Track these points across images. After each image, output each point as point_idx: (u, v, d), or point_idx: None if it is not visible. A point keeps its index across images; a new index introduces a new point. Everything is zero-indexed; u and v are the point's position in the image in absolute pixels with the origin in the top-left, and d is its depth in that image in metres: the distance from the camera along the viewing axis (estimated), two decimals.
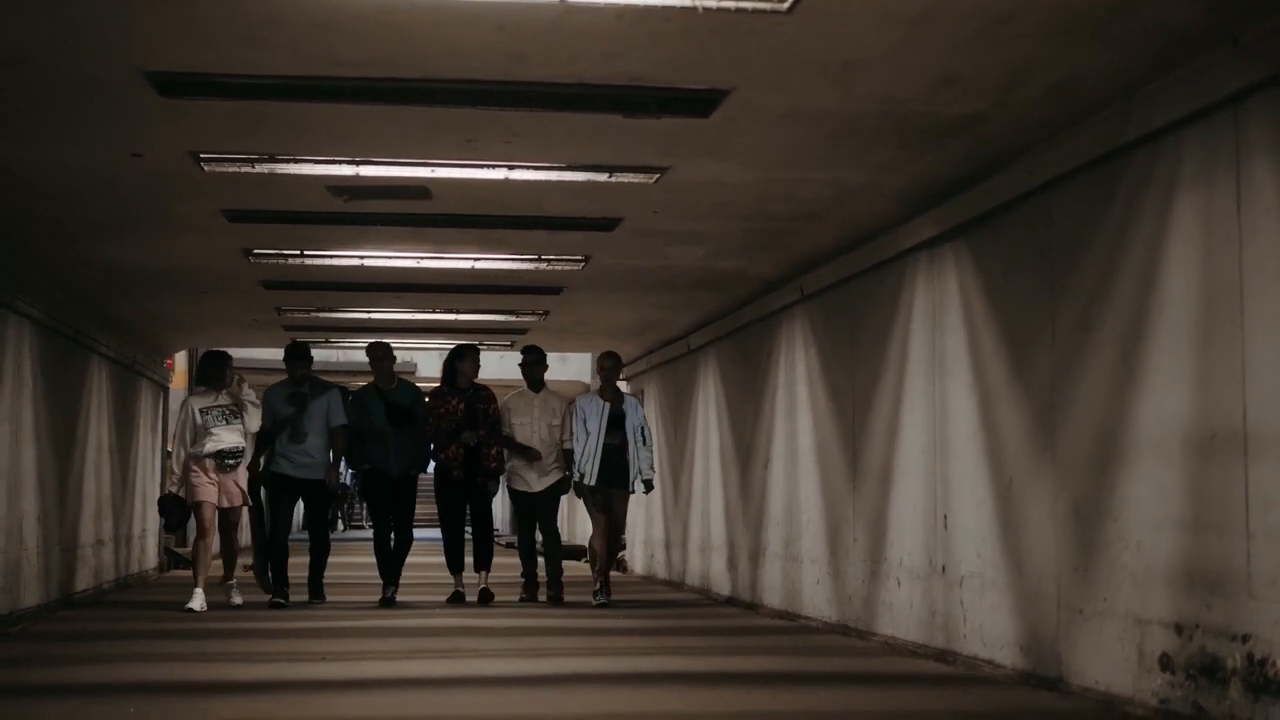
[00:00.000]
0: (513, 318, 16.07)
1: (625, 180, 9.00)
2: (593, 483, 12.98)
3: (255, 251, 11.79)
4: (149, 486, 17.31)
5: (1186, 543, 6.24)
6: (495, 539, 14.36)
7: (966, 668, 8.35)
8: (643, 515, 18.05)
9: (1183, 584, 6.27)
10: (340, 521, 45.84)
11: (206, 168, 8.68)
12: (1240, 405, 5.86)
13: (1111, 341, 6.92)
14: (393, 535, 13.04)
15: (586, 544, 15.11)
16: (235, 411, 12.30)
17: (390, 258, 12.18)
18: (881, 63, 6.62)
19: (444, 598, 13.11)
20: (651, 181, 9.01)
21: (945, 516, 8.87)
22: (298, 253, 11.93)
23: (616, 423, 13.09)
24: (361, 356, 20.97)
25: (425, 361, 21.59)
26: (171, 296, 14.06)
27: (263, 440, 12.74)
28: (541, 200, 9.77)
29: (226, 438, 12.23)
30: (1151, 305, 6.57)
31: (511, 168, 8.81)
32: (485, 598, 12.92)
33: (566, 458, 13.24)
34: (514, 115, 7.52)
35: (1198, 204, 6.25)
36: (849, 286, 10.71)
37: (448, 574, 13.42)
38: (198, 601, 12.01)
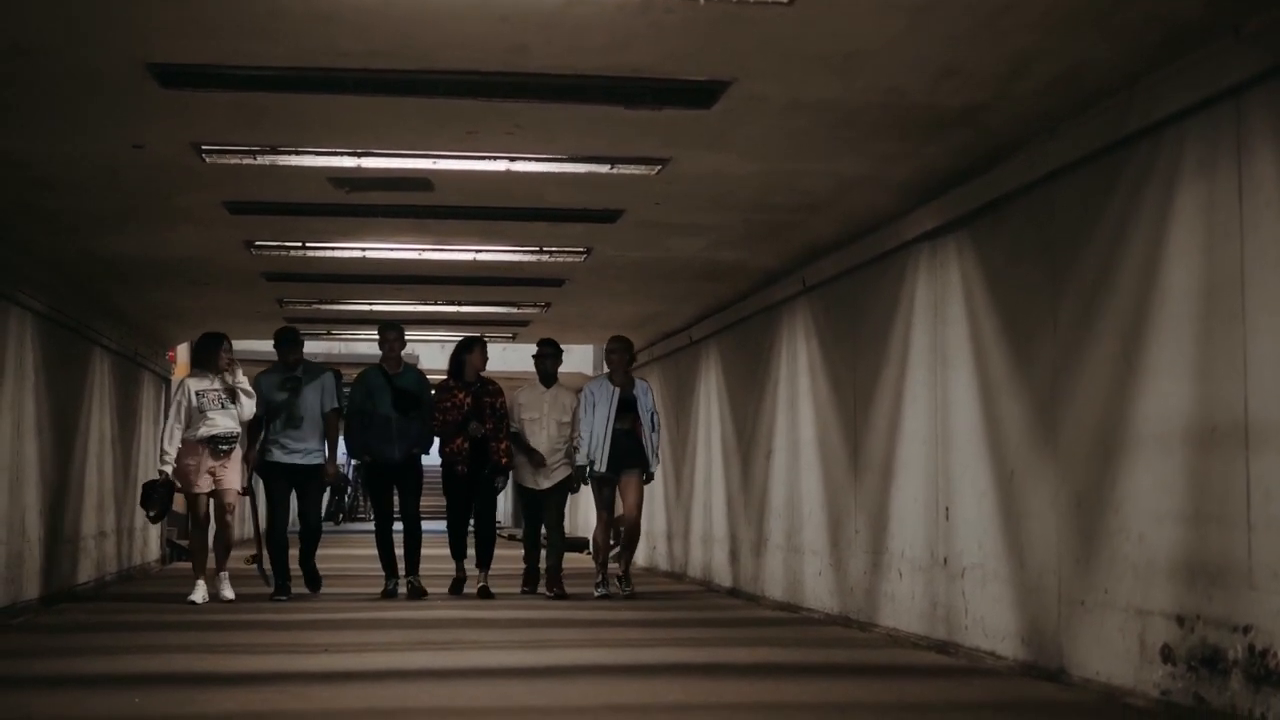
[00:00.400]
0: (514, 310, 16.06)
1: (627, 172, 8.99)
2: (603, 469, 12.77)
3: (257, 243, 11.79)
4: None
5: (1188, 534, 6.24)
6: (497, 532, 14.23)
7: (968, 659, 8.35)
8: (645, 507, 18.02)
9: (1184, 576, 6.27)
10: (341, 515, 45.77)
11: (208, 159, 8.68)
12: (1241, 397, 5.86)
13: (1113, 333, 6.92)
14: (400, 523, 12.86)
15: (590, 536, 14.90)
16: (233, 394, 12.14)
17: (392, 249, 12.17)
18: (883, 54, 6.62)
19: (445, 590, 13.05)
20: (653, 173, 9.01)
21: (947, 508, 8.87)
22: (299, 244, 11.92)
23: (627, 408, 12.89)
24: (363, 348, 21.09)
25: (427, 353, 21.58)
26: (173, 288, 14.06)
27: (257, 428, 12.52)
28: (543, 192, 9.77)
29: (221, 423, 12.05)
30: (1153, 297, 6.57)
31: (513, 159, 8.80)
32: (484, 595, 12.77)
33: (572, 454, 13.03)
34: (516, 107, 7.52)
35: (1199, 195, 6.25)
36: (851, 278, 10.71)
37: (447, 568, 13.33)
38: (199, 593, 11.97)
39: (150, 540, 17.64)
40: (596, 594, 12.92)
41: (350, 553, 20.37)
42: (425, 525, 13.35)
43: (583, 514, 21.38)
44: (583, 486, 13.36)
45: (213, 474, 12.10)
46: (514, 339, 19.04)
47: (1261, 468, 5.72)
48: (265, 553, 12.97)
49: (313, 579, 12.93)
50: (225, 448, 12.08)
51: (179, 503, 13.05)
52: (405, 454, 12.71)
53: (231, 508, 12.35)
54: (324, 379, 12.74)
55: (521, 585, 13.45)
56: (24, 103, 7.54)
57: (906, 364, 9.60)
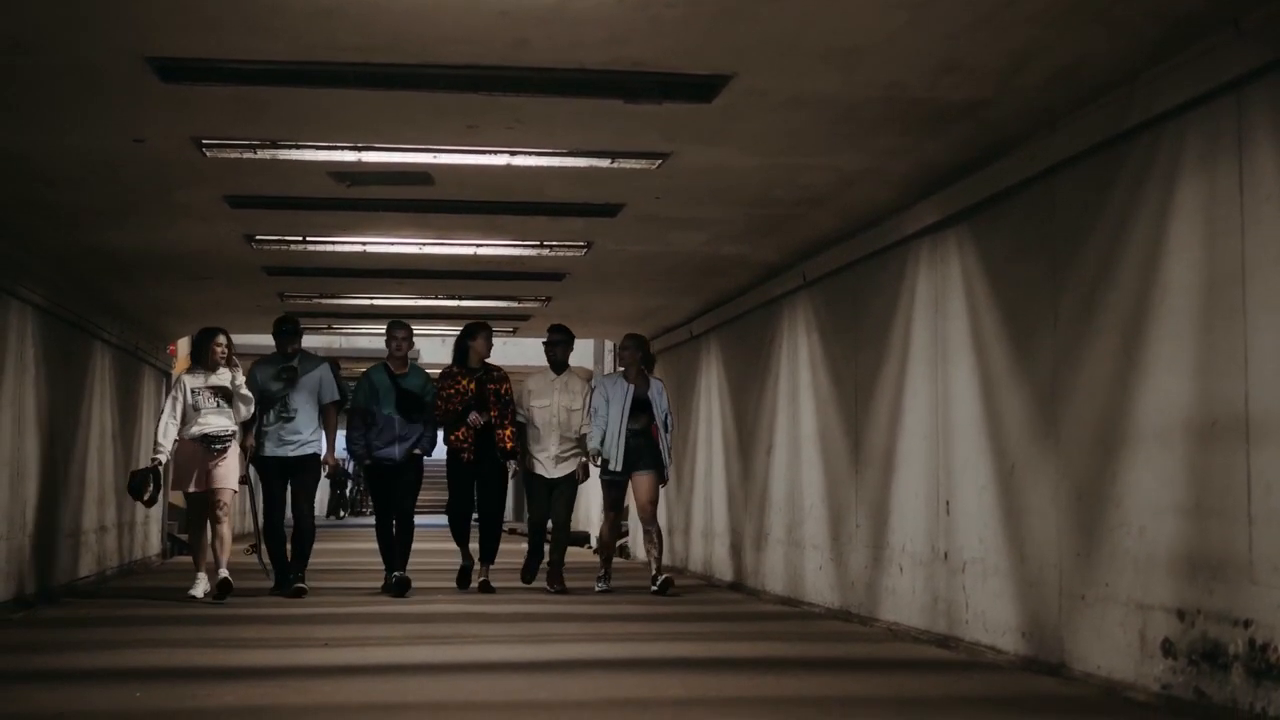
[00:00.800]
0: (515, 304, 16.07)
1: (627, 166, 8.99)
2: (618, 468, 12.57)
3: (257, 237, 11.79)
4: None
5: (1188, 528, 6.25)
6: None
7: (968, 654, 8.35)
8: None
9: (1184, 569, 6.27)
10: (343, 509, 45.75)
11: (208, 153, 8.68)
12: (1242, 391, 5.86)
13: (1113, 327, 6.92)
14: (394, 521, 12.56)
15: (593, 532, 14.71)
16: (228, 395, 11.82)
17: (393, 243, 12.17)
18: (883, 48, 6.62)
19: (447, 584, 12.98)
20: (654, 167, 9.01)
21: (947, 502, 8.87)
22: (300, 239, 11.92)
23: (640, 408, 12.63)
24: (364, 343, 21.12)
25: (428, 348, 21.59)
26: (174, 283, 14.06)
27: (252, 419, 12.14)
28: (543, 186, 9.77)
29: (214, 421, 11.72)
30: (1154, 291, 6.57)
31: (514, 153, 8.81)
32: (485, 590, 12.62)
33: (582, 442, 12.78)
34: (516, 101, 7.52)
35: (1200, 189, 6.25)
36: (851, 272, 10.71)
37: (451, 561, 13.08)
38: (199, 588, 11.84)
39: (151, 534, 17.65)
40: (597, 589, 12.83)
41: (351, 547, 20.39)
42: (420, 519, 13.15)
43: (583, 508, 21.36)
44: (588, 477, 13.12)
45: (207, 472, 11.75)
46: (514, 333, 19.05)
47: (1262, 462, 5.72)
48: (264, 545, 12.79)
49: (298, 583, 12.26)
50: (218, 447, 11.73)
51: (177, 498, 12.97)
52: (406, 455, 12.44)
53: (225, 507, 11.86)
54: (321, 370, 12.46)
55: (522, 576, 13.17)
56: (25, 97, 7.54)
57: (907, 358, 9.60)
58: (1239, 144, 5.95)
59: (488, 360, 12.82)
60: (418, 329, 18.62)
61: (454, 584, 13.03)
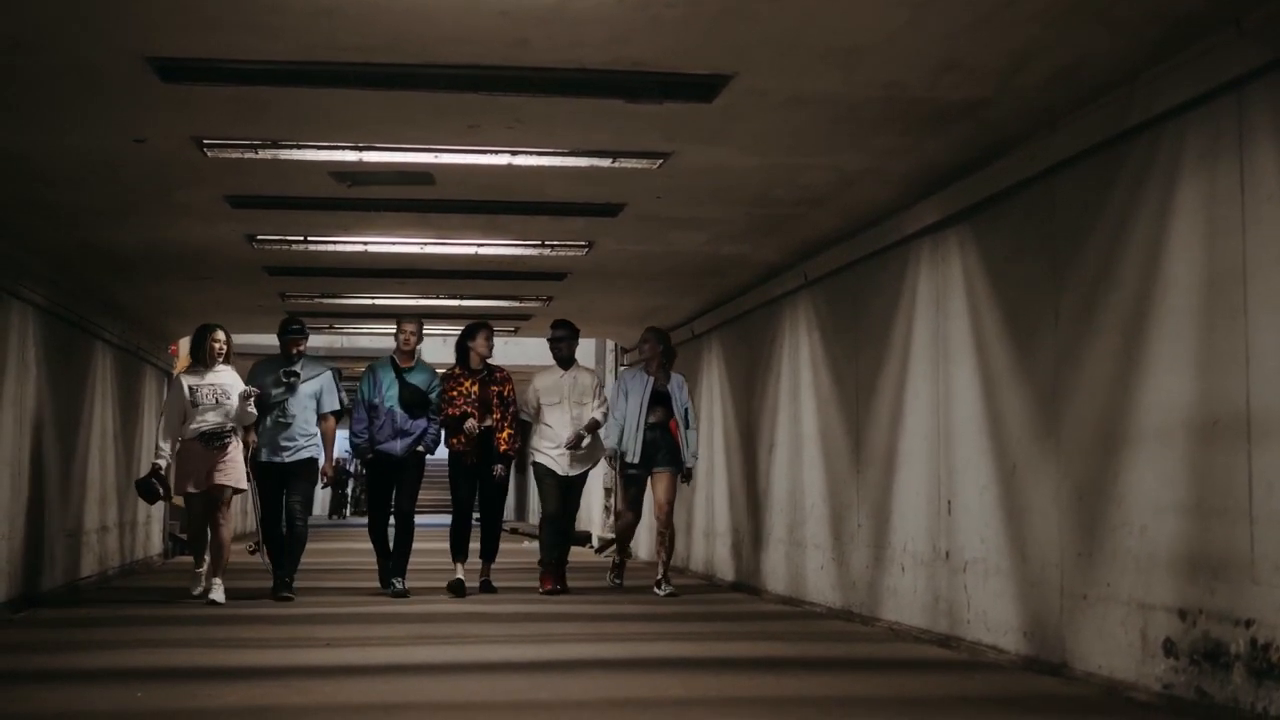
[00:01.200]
0: (516, 304, 16.06)
1: (628, 166, 8.99)
2: (635, 460, 12.33)
3: (258, 237, 11.79)
4: None
5: (1190, 528, 6.24)
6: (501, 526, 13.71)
7: (970, 653, 8.35)
8: (647, 501, 18.02)
9: (1186, 569, 6.27)
10: (343, 509, 45.76)
11: (209, 153, 8.68)
12: (1243, 390, 5.86)
13: (1114, 327, 6.92)
14: (392, 521, 12.39)
15: (601, 532, 14.40)
16: (226, 392, 11.52)
17: (394, 243, 12.17)
18: (884, 48, 6.62)
19: (442, 589, 12.55)
20: (654, 167, 9.01)
21: (949, 502, 8.87)
22: (301, 239, 11.92)
23: (659, 401, 12.43)
24: (365, 342, 21.12)
25: (429, 347, 21.58)
26: (175, 282, 14.06)
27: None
28: (544, 186, 9.77)
29: (213, 419, 11.44)
30: (1154, 290, 6.56)
31: (514, 153, 8.81)
32: (486, 589, 12.47)
33: (590, 422, 12.54)
34: (517, 101, 7.52)
35: (1201, 189, 6.24)
36: (852, 272, 10.70)
37: (446, 563, 12.76)
38: (200, 587, 11.77)
39: (153, 534, 17.66)
40: (609, 581, 12.64)
41: (350, 546, 20.39)
42: (430, 520, 12.97)
43: (584, 506, 21.35)
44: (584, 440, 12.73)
45: (208, 472, 11.50)
46: (516, 332, 19.05)
47: (1263, 461, 5.72)
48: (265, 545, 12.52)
49: (284, 591, 11.90)
50: (217, 444, 11.46)
51: (178, 499, 12.92)
52: (407, 451, 12.19)
53: (226, 509, 11.69)
54: (323, 378, 12.13)
55: (542, 585, 12.58)
56: (25, 97, 7.54)
57: (908, 358, 9.60)
58: (1240, 143, 5.94)
59: (489, 360, 12.61)
60: None
61: (446, 588, 12.48)
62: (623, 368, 13.02)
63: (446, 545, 12.82)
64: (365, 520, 13.58)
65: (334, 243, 12.12)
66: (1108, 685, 6.83)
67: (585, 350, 22.46)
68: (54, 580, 12.27)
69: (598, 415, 12.67)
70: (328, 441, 12.14)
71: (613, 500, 21.24)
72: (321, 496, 44.86)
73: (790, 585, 12.17)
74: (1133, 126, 6.73)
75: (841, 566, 10.87)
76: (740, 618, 10.94)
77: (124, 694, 6.83)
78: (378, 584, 12.71)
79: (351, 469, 43.61)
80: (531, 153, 8.82)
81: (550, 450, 12.67)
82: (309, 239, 11.93)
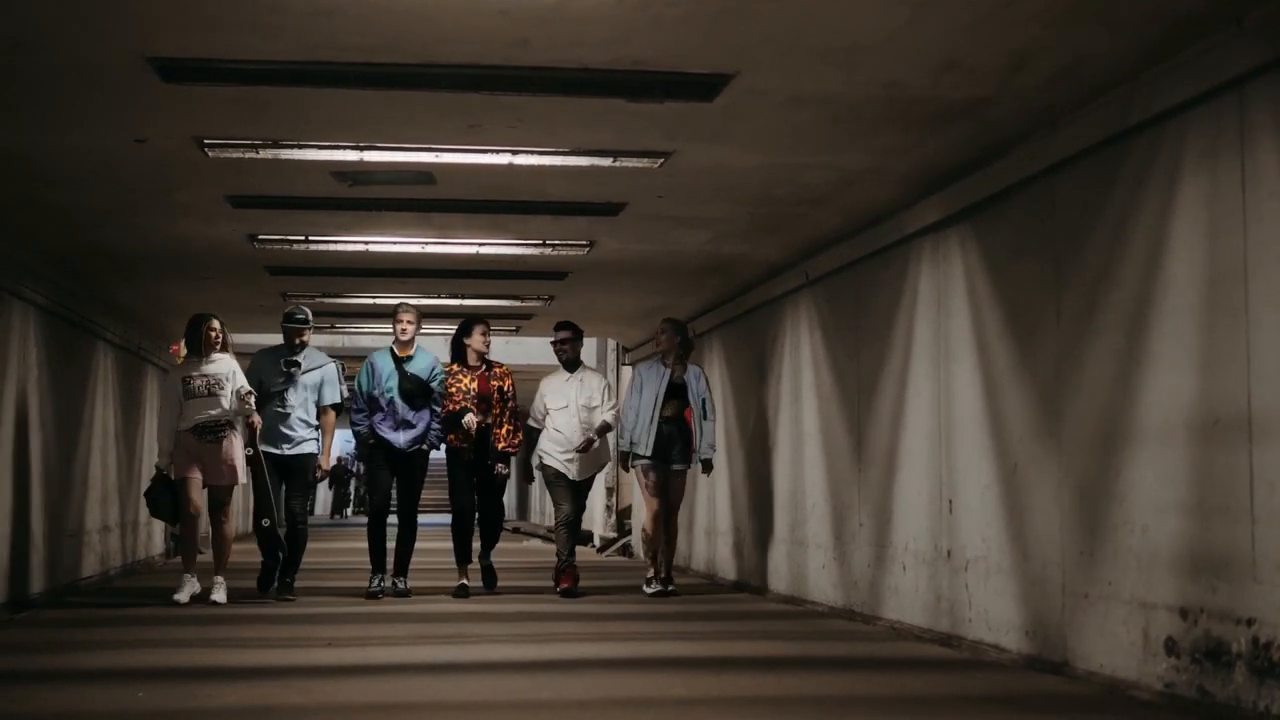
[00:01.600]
0: (518, 303, 16.07)
1: (629, 165, 8.99)
2: (647, 453, 12.09)
3: (260, 237, 11.79)
4: None
5: (1191, 527, 6.24)
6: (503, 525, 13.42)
7: (971, 652, 8.35)
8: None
9: (1187, 568, 6.26)
10: (346, 508, 45.74)
11: (210, 153, 8.68)
12: (1245, 389, 5.85)
13: (1116, 325, 6.91)
14: (395, 521, 12.14)
15: (630, 531, 13.49)
16: (220, 382, 11.17)
17: (395, 243, 12.17)
18: (884, 47, 6.61)
19: (450, 583, 12.50)
20: (656, 166, 9.01)
21: (950, 501, 8.86)
22: (302, 238, 11.92)
23: (675, 393, 12.19)
24: (367, 341, 21.10)
25: (431, 347, 21.60)
26: (176, 282, 14.07)
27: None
28: (546, 185, 9.77)
29: (206, 410, 11.11)
30: (1156, 289, 6.56)
31: (515, 153, 8.81)
32: (489, 578, 12.34)
33: (601, 425, 12.36)
34: (518, 100, 7.52)
35: (1202, 187, 6.24)
36: (854, 271, 10.70)
37: (451, 561, 12.54)
38: (186, 591, 11.17)
39: (154, 534, 17.66)
40: (648, 591, 12.23)
41: (352, 545, 20.39)
42: (429, 519, 12.84)
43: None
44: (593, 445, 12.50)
45: (202, 465, 11.18)
46: (517, 332, 19.05)
47: (1265, 460, 5.72)
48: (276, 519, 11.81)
49: (286, 589, 11.77)
50: (211, 438, 11.14)
51: None
52: (410, 445, 11.90)
53: (226, 506, 11.53)
54: (325, 369, 11.84)
55: (559, 584, 12.39)
56: (26, 97, 7.54)
57: (910, 357, 9.60)
58: (1241, 142, 5.94)
59: (488, 356, 12.38)
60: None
61: (452, 594, 12.21)
62: (639, 361, 12.61)
63: (446, 544, 12.69)
64: (366, 519, 13.39)
65: (335, 242, 12.13)
66: (1109, 684, 6.83)
67: (586, 350, 22.49)
68: (55, 580, 12.27)
69: (609, 418, 12.52)
70: (325, 434, 11.89)
71: (614, 500, 21.26)
72: (324, 496, 44.90)
73: (792, 584, 12.16)
74: (1133, 125, 6.72)
75: (843, 565, 10.87)
76: (742, 617, 10.94)
77: (125, 694, 6.83)
78: (369, 585, 12.02)
79: (354, 469, 43.63)
80: (532, 152, 8.82)
81: (560, 455, 12.43)
82: (310, 239, 11.93)
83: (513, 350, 20.26)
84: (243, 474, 11.47)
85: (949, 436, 8.91)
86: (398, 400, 11.88)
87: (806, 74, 7.08)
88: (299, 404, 11.70)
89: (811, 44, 6.63)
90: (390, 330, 12.46)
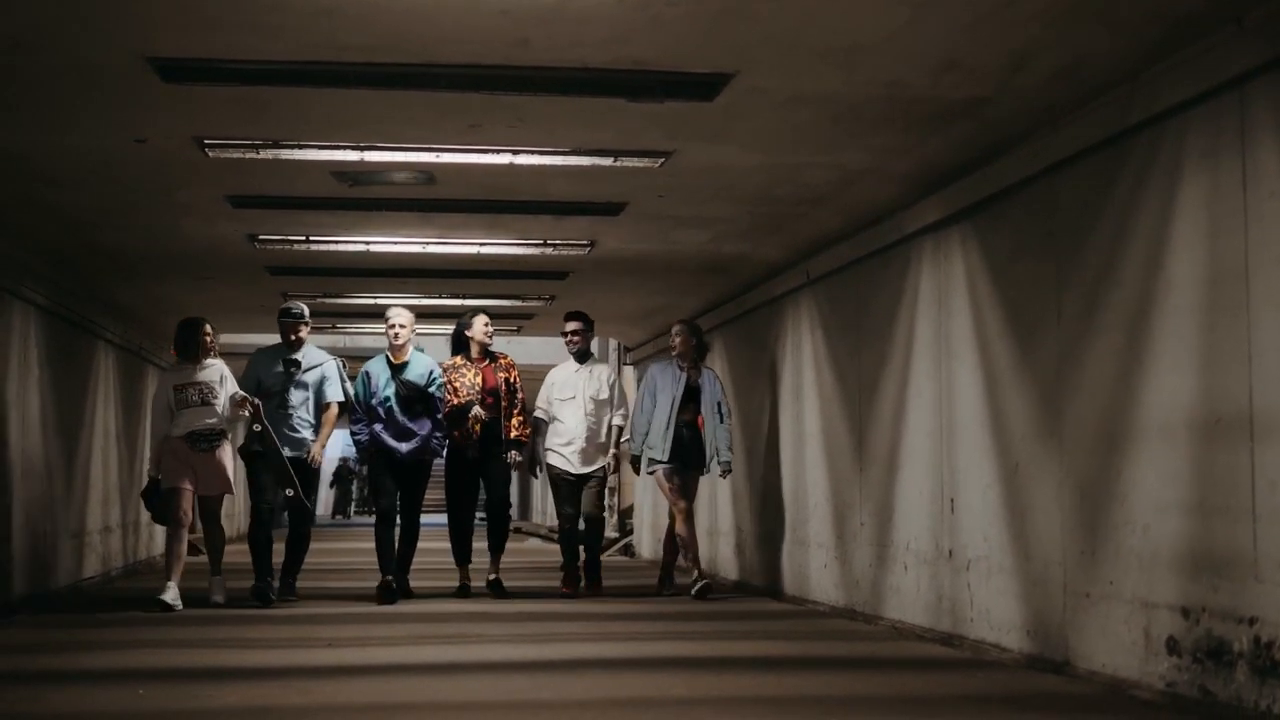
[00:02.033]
0: (519, 303, 16.07)
1: (630, 165, 8.99)
2: (664, 457, 11.89)
3: (260, 237, 11.79)
4: None
5: (1192, 526, 6.24)
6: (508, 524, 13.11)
7: (973, 651, 8.35)
8: (649, 500, 18.05)
9: (1189, 567, 6.26)
10: (349, 509, 45.76)
11: (210, 153, 8.68)
12: (1246, 388, 5.85)
13: (1117, 325, 6.91)
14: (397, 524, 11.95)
15: (667, 533, 13.08)
16: (211, 389, 10.99)
17: (395, 243, 12.16)
18: (885, 47, 6.61)
19: (449, 584, 12.45)
20: (656, 166, 9.01)
21: (952, 500, 8.86)
22: (303, 238, 11.92)
23: (690, 397, 12.03)
24: (367, 342, 21.09)
25: (431, 346, 21.60)
26: (177, 282, 14.07)
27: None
28: (546, 185, 9.77)
29: (199, 419, 10.92)
30: (1157, 288, 6.56)
31: (516, 152, 8.81)
32: (497, 589, 12.02)
33: (615, 434, 12.17)
34: (518, 100, 7.52)
35: (1203, 186, 6.24)
36: (854, 270, 10.70)
37: (449, 561, 12.45)
38: (170, 594, 10.79)
39: (155, 535, 17.66)
40: (692, 593, 11.93)
41: (354, 546, 20.40)
42: (429, 519, 12.73)
43: None
44: (618, 470, 12.41)
45: (195, 473, 10.98)
46: (518, 331, 19.04)
47: (1266, 459, 5.71)
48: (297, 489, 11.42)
49: (288, 589, 11.61)
50: (204, 446, 10.96)
51: None
52: (412, 455, 11.62)
53: (218, 507, 11.44)
54: (325, 367, 11.57)
55: (562, 587, 12.26)
56: (25, 97, 7.54)
57: (911, 356, 9.60)
58: (1242, 141, 5.93)
59: (490, 348, 12.16)
60: (420, 328, 18.60)
61: (454, 594, 12.16)
62: (650, 362, 12.45)
63: (445, 544, 12.60)
64: (368, 520, 13.41)
65: (336, 242, 12.12)
66: (1111, 683, 6.83)
67: None
68: (57, 581, 12.28)
69: (620, 422, 12.34)
70: (325, 427, 11.60)
71: (616, 500, 21.25)
72: (325, 496, 44.90)
73: (793, 584, 12.16)
74: (1134, 125, 6.72)
75: (844, 565, 10.87)
76: (742, 617, 10.93)
77: (126, 693, 6.83)
78: (377, 591, 11.76)
79: (356, 469, 43.64)
80: (533, 152, 8.82)
81: (562, 448, 12.20)
82: (311, 239, 11.93)
83: (514, 350, 20.16)
84: (231, 486, 11.28)
85: (950, 436, 8.91)
86: (396, 409, 11.60)
87: (807, 74, 7.08)
88: (300, 403, 11.51)
89: (812, 44, 6.63)
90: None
